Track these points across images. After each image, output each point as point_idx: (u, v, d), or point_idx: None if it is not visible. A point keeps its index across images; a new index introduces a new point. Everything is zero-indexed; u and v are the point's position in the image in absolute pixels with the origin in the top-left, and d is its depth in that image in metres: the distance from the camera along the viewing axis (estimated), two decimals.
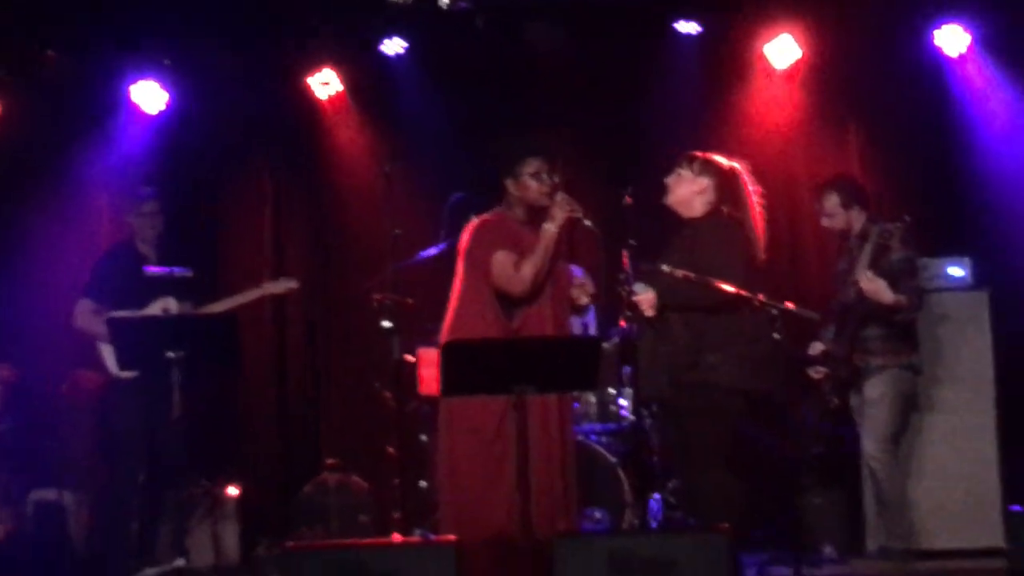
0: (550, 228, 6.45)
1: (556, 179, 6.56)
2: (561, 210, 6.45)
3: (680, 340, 6.41)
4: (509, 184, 6.56)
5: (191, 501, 8.17)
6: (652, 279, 6.42)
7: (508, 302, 6.50)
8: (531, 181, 6.52)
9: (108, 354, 7.63)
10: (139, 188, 8.06)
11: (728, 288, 6.21)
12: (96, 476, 8.54)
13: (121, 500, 7.75)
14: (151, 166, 9.04)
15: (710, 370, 6.36)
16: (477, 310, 6.46)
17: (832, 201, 7.58)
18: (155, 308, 7.64)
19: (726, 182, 6.61)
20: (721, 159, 6.68)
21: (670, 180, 6.69)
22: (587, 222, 6.48)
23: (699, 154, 6.70)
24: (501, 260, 6.46)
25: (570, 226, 6.79)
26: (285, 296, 8.55)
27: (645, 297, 6.52)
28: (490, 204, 6.68)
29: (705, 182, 6.61)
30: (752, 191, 6.66)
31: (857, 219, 7.54)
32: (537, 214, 6.57)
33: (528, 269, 6.42)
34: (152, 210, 7.87)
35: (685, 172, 6.66)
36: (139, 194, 7.96)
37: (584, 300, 6.69)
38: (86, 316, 7.75)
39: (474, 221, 6.62)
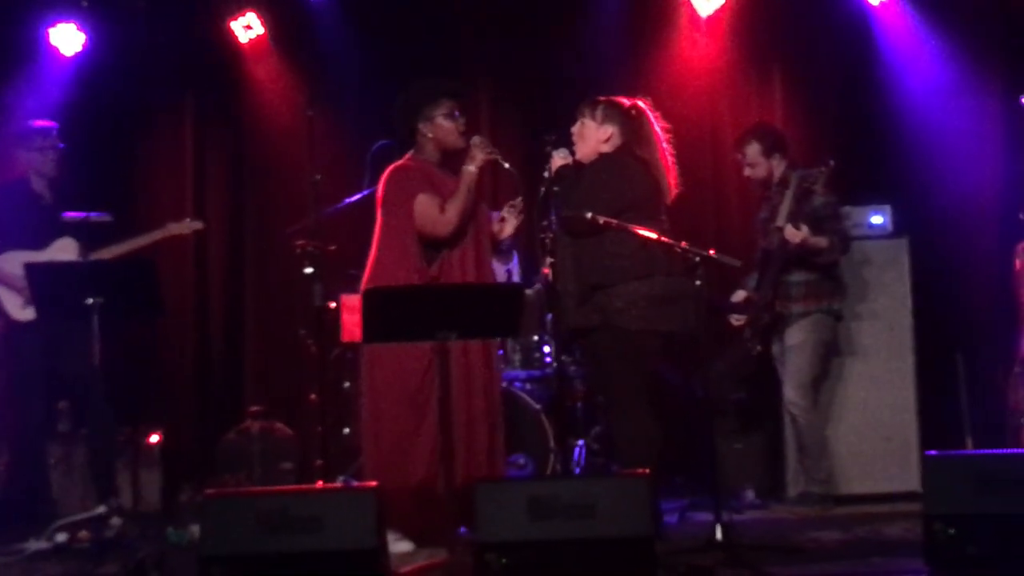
0: (470, 169, 6.47)
1: (464, 118, 6.60)
2: (480, 151, 6.47)
3: (586, 280, 6.37)
4: (423, 127, 6.58)
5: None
6: (573, 225, 6.38)
7: (428, 248, 6.50)
8: (444, 121, 6.56)
9: (5, 296, 7.53)
10: (32, 122, 7.84)
11: (650, 235, 6.19)
12: (11, 424, 8.46)
13: (31, 444, 7.68)
14: (70, 109, 8.89)
15: (617, 314, 6.32)
16: (397, 257, 6.45)
17: (753, 150, 7.61)
18: (55, 249, 7.52)
19: (631, 123, 6.55)
20: (624, 100, 6.61)
21: (575, 130, 6.60)
22: (506, 164, 6.49)
23: (602, 99, 6.60)
24: (424, 203, 6.46)
25: (489, 168, 6.77)
26: (190, 237, 8.47)
27: (556, 158, 6.46)
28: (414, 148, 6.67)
29: (610, 130, 6.52)
30: (658, 128, 6.60)
31: (778, 167, 7.58)
32: (451, 158, 6.59)
33: (452, 210, 6.43)
34: (46, 145, 7.71)
35: (589, 121, 6.56)
36: (32, 128, 7.78)
37: (509, 230, 6.70)
38: None
39: (389, 168, 6.61)
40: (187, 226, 7.98)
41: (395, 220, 6.49)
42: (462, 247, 6.53)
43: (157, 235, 7.84)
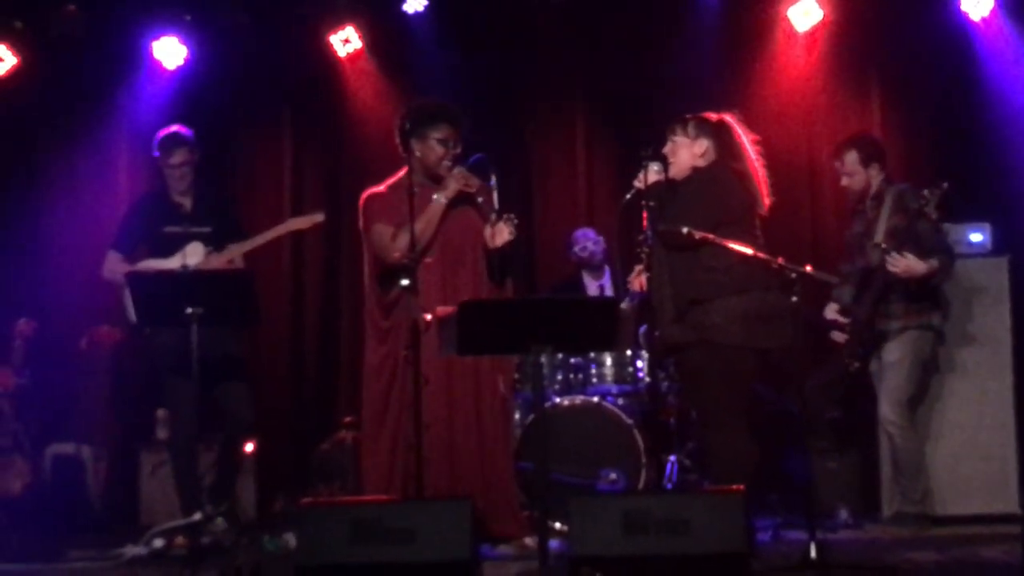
0: (439, 199, 6.58)
1: (458, 150, 6.67)
2: (455, 183, 6.53)
3: (682, 295, 6.33)
4: (414, 144, 6.65)
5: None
6: (669, 240, 6.34)
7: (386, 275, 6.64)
8: (435, 145, 6.62)
9: (131, 304, 7.60)
10: (167, 138, 7.76)
11: (746, 250, 6.15)
12: (112, 431, 8.59)
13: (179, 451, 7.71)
14: (171, 121, 9.00)
15: (715, 330, 6.27)
16: (368, 284, 6.72)
17: (851, 158, 7.52)
18: (183, 255, 7.56)
19: (722, 137, 6.47)
20: (710, 115, 6.55)
21: (667, 150, 6.52)
22: (480, 199, 6.53)
23: (689, 116, 6.52)
24: (378, 232, 6.63)
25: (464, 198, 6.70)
26: (286, 240, 8.55)
27: (651, 171, 6.40)
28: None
29: (704, 143, 6.42)
30: (747, 141, 6.53)
31: (875, 178, 7.49)
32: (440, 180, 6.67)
33: (404, 238, 6.44)
34: (179, 160, 7.69)
35: (681, 138, 6.46)
36: (156, 142, 7.75)
37: (499, 241, 6.62)
38: (112, 268, 7.69)
39: (363, 195, 6.78)
40: (308, 220, 7.93)
41: (366, 249, 6.74)
42: (427, 272, 6.56)
43: (280, 230, 7.84)
